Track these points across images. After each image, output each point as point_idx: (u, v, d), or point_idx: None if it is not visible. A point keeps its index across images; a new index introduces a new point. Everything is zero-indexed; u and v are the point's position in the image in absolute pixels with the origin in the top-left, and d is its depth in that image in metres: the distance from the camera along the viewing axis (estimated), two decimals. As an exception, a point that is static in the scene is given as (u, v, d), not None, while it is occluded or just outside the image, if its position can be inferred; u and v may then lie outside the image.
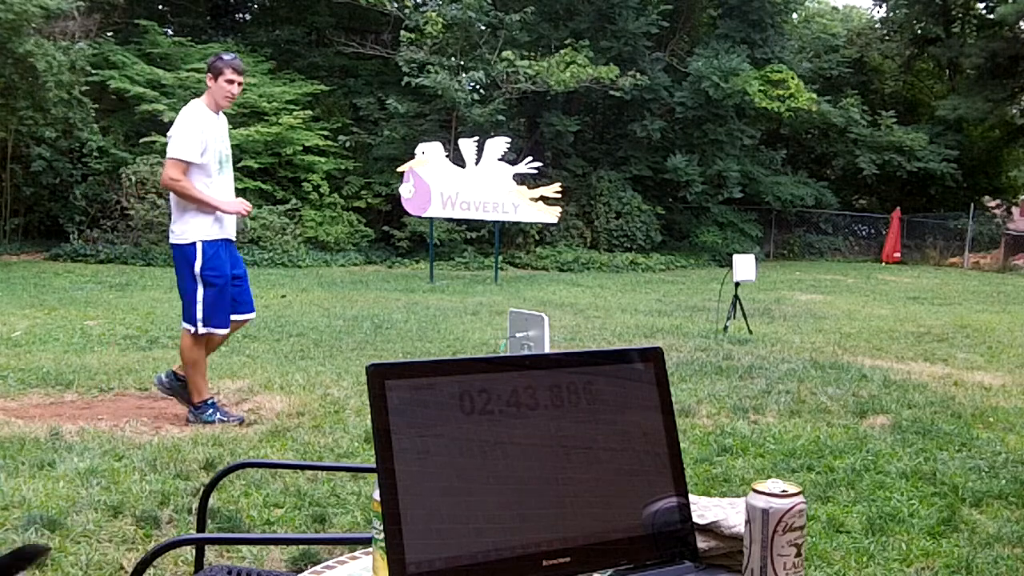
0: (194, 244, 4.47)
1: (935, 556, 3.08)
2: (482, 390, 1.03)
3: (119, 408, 4.98)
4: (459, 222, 16.88)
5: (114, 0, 17.93)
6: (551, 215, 14.95)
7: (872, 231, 25.30)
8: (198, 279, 4.51)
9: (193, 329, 4.56)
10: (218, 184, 4.54)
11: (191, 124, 4.44)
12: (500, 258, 16.31)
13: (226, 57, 4.61)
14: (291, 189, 17.84)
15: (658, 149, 20.57)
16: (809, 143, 25.35)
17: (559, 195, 15.12)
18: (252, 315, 4.88)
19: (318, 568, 1.23)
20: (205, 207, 4.46)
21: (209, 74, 4.58)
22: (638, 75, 18.59)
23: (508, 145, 14.44)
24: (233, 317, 4.70)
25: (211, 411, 4.67)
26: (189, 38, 18.88)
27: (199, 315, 4.54)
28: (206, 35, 20.69)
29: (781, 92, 19.81)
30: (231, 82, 4.54)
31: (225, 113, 4.76)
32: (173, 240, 4.56)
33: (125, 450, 4.06)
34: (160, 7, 21.07)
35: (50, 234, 16.72)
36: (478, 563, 0.98)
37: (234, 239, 4.68)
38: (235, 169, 22.01)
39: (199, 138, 4.43)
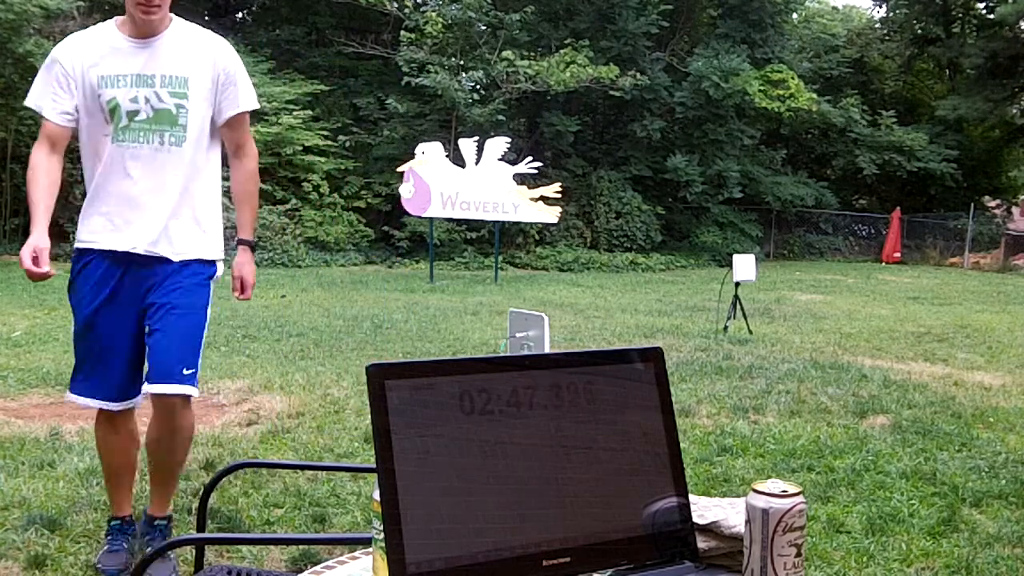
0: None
1: (935, 556, 3.08)
2: (482, 390, 1.03)
3: (119, 408, 4.97)
4: (459, 222, 16.88)
5: (114, 0, 17.94)
6: (551, 215, 14.95)
7: (872, 231, 25.29)
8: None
9: None
10: (115, 157, 2.59)
11: (50, 57, 2.62)
12: (500, 258, 16.31)
13: None
14: (291, 189, 17.83)
15: (658, 149, 20.57)
16: (809, 143, 25.35)
17: (559, 195, 15.12)
18: (165, 388, 2.57)
19: (318, 568, 1.23)
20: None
21: None
22: (638, 75, 18.59)
23: (508, 145, 14.43)
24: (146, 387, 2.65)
25: (110, 537, 2.83)
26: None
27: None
28: (206, 35, 20.67)
29: (781, 92, 19.81)
30: None
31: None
32: None
33: (125, 450, 4.06)
34: (160, 7, 21.05)
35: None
36: (478, 563, 0.98)
37: (151, 251, 2.63)
38: None
39: (54, 76, 2.57)
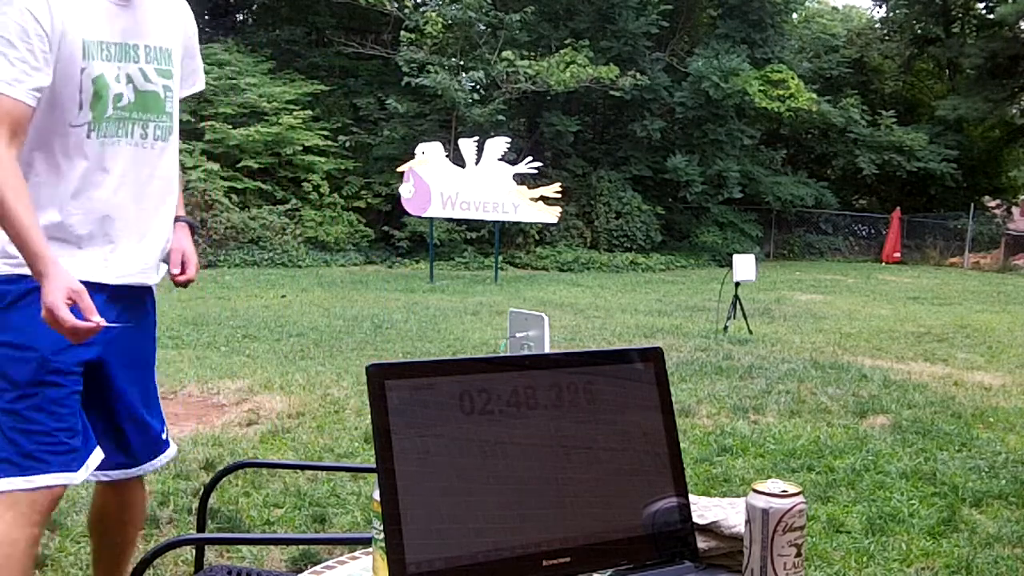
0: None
1: (935, 556, 3.08)
2: (482, 390, 1.03)
3: (119, 408, 4.97)
4: (459, 222, 16.88)
5: None
6: (551, 215, 14.95)
7: (872, 231, 25.29)
8: None
9: None
10: (92, 157, 1.85)
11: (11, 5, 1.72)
12: (500, 258, 16.31)
13: None
14: (291, 189, 17.84)
15: (658, 149, 20.57)
16: (809, 143, 25.35)
17: (559, 195, 15.12)
18: (149, 466, 2.09)
19: (318, 568, 1.23)
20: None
21: None
22: (638, 75, 18.59)
23: (508, 145, 14.43)
24: (108, 473, 2.01)
25: None
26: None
27: None
28: (206, 35, 20.69)
29: (781, 92, 19.81)
30: None
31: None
32: None
33: (125, 450, 4.05)
34: (160, 7, 21.05)
35: None
36: (478, 563, 0.98)
37: (146, 282, 2.01)
38: (234, 169, 19.97)
39: (20, 32, 1.70)
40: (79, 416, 1.85)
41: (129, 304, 1.97)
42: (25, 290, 1.77)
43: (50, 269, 1.62)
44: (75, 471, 1.82)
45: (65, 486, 1.83)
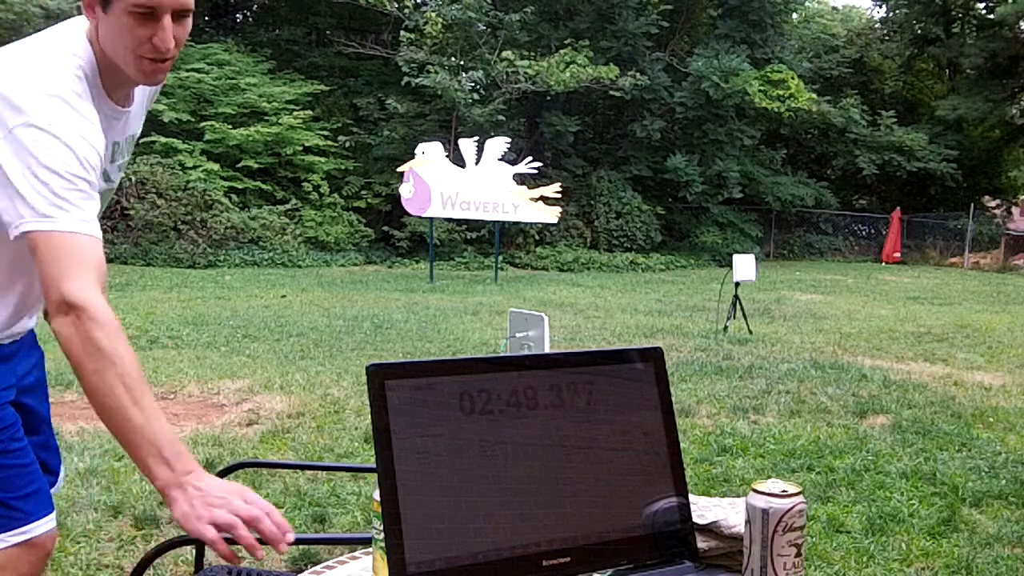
0: None
1: (935, 556, 3.08)
2: (482, 390, 1.03)
3: (119, 408, 4.96)
4: (459, 222, 16.89)
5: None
6: (551, 215, 14.95)
7: (872, 231, 25.29)
8: None
9: None
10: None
11: (78, 139, 1.38)
12: (500, 258, 16.31)
13: None
14: (291, 189, 17.84)
15: (658, 149, 20.58)
16: (809, 143, 25.34)
17: (559, 195, 15.12)
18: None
19: (318, 568, 1.23)
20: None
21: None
22: (638, 75, 18.60)
23: (508, 145, 14.44)
24: None
25: None
26: (189, 38, 18.89)
27: None
28: (206, 35, 20.67)
29: (781, 92, 19.81)
30: (144, 14, 1.44)
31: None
32: None
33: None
34: (160, 7, 21.04)
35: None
36: (478, 563, 0.98)
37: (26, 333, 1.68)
38: (234, 169, 20.00)
39: (93, 172, 1.41)
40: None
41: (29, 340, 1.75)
42: None
43: (199, 469, 1.20)
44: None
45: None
